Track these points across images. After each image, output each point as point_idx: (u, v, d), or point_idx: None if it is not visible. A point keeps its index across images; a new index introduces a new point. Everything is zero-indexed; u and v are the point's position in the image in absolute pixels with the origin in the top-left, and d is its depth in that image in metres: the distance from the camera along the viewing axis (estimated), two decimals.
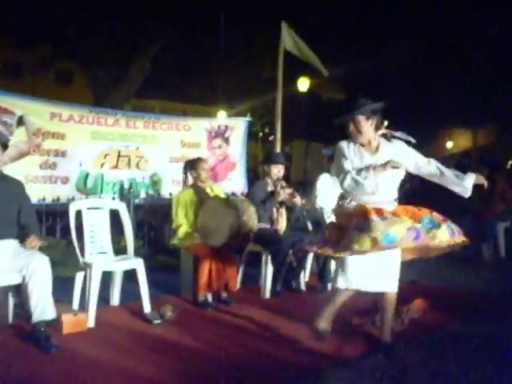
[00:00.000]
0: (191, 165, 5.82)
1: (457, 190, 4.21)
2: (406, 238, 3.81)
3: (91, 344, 4.24)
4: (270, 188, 6.11)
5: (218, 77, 16.78)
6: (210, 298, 5.38)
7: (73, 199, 6.61)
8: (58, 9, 12.34)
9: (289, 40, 8.30)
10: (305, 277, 6.33)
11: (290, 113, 10.51)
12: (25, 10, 12.13)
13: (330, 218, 6.35)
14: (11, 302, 4.64)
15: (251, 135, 8.90)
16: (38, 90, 14.39)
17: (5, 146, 4.46)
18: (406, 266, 7.02)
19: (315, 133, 23.46)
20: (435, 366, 3.88)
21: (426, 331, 4.69)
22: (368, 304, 5.55)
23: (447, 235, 3.93)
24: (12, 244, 4.37)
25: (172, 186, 7.72)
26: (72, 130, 6.90)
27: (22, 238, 4.39)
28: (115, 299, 5.34)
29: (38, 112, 6.74)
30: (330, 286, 6.13)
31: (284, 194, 5.97)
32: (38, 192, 6.44)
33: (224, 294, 5.46)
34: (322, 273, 6.17)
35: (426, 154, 4.28)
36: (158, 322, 4.79)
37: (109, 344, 4.26)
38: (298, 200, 6.02)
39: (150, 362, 3.92)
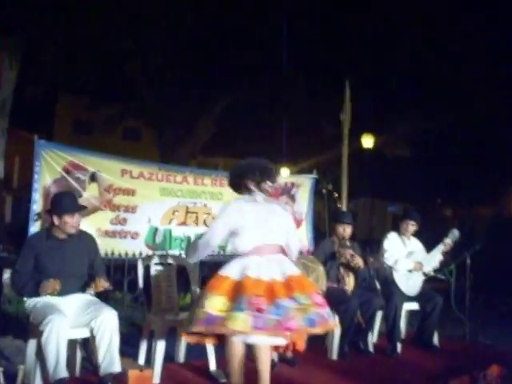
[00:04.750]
0: None
1: None
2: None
3: None
4: (336, 246, 6.04)
5: (282, 134, 16.98)
6: (275, 357, 5.27)
7: (141, 254, 6.70)
8: (126, 69, 12.84)
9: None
10: (373, 338, 6.17)
11: (354, 170, 10.47)
12: (95, 71, 12.68)
13: (398, 277, 6.26)
14: (79, 355, 4.68)
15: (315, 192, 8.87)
16: (107, 146, 14.85)
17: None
18: (479, 328, 6.83)
19: (380, 190, 23.29)
20: None
21: None
22: (441, 368, 5.37)
23: None
24: (82, 298, 4.44)
25: None
26: (142, 186, 7.03)
27: (89, 285, 4.45)
28: (181, 356, 5.31)
29: (109, 168, 6.91)
30: (399, 347, 5.97)
31: (345, 254, 5.89)
32: (108, 246, 6.54)
33: (289, 354, 5.35)
34: (391, 334, 6.00)
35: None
36: (223, 380, 4.73)
37: None
38: (359, 262, 5.90)
39: None
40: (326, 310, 4.04)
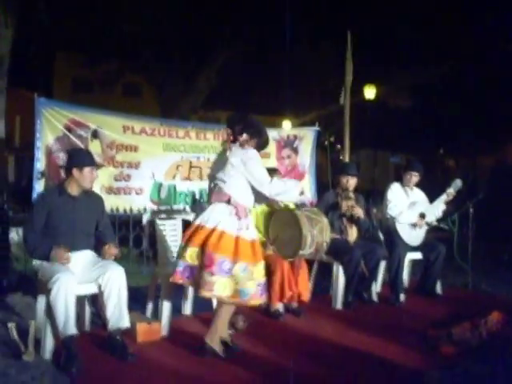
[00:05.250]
0: None
1: None
2: (255, 295, 4.16)
3: (165, 353, 4.31)
4: (339, 198, 6.07)
5: (283, 86, 16.82)
6: (281, 308, 5.36)
7: (145, 210, 6.74)
8: (124, 24, 12.64)
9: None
10: (376, 287, 6.26)
11: (356, 121, 10.40)
12: (92, 26, 12.50)
13: (401, 227, 6.30)
14: (88, 310, 4.76)
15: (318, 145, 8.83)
16: (108, 103, 14.75)
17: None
18: (480, 276, 6.92)
19: (382, 141, 23.23)
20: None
21: (505, 344, 4.53)
22: (444, 315, 5.45)
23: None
24: (89, 254, 4.50)
25: None
26: (144, 142, 7.00)
27: (98, 249, 4.53)
28: (187, 309, 5.39)
29: (111, 125, 6.87)
30: (402, 296, 6.06)
31: (345, 205, 5.92)
32: (113, 202, 6.56)
33: (295, 305, 5.44)
34: (394, 283, 6.08)
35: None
36: (229, 332, 4.81)
37: (182, 353, 4.31)
38: (359, 212, 5.93)
39: (222, 371, 3.96)
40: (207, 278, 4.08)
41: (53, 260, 4.19)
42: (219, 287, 4.05)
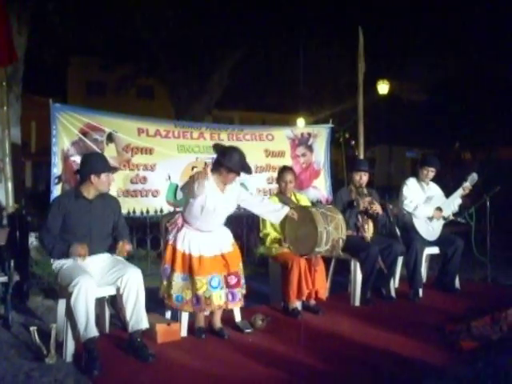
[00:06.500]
0: (278, 173, 5.89)
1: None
2: (189, 302, 4.64)
3: (185, 353, 4.34)
4: (353, 195, 6.06)
5: (296, 84, 16.81)
6: (299, 306, 5.37)
7: (161, 211, 6.77)
8: (136, 27, 12.67)
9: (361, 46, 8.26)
10: (394, 283, 6.24)
11: (370, 117, 10.35)
12: (104, 31, 12.53)
13: (418, 222, 6.28)
14: (107, 312, 4.81)
15: (332, 141, 8.80)
16: (122, 106, 14.84)
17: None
18: (499, 269, 6.87)
19: (398, 136, 23.11)
20: None
21: None
22: (463, 310, 5.43)
23: (222, 300, 4.66)
24: (107, 257, 4.54)
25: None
26: (159, 144, 7.02)
27: (113, 248, 4.55)
28: None
29: (125, 128, 6.90)
30: (420, 292, 6.04)
31: (363, 202, 5.91)
32: (129, 205, 6.60)
33: (313, 302, 5.45)
34: (412, 279, 6.06)
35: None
36: (248, 330, 4.84)
37: (202, 353, 4.34)
38: (377, 208, 5.93)
39: (242, 370, 3.97)
40: None
41: (72, 255, 4.23)
42: (162, 288, 4.79)
